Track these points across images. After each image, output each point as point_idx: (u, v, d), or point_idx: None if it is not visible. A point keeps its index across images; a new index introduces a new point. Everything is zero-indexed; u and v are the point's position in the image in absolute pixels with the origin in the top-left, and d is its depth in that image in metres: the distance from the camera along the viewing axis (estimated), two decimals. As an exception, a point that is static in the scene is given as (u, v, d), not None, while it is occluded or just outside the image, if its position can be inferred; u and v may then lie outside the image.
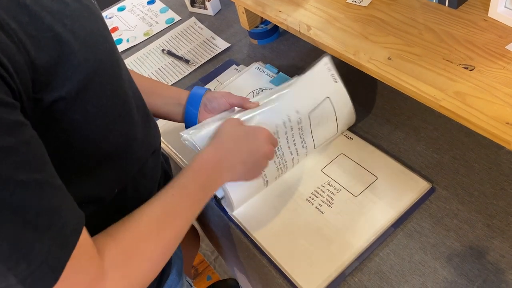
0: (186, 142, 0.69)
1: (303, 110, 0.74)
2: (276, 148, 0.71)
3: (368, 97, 0.90)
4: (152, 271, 0.50)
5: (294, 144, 0.75)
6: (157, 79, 1.11)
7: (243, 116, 0.71)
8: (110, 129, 0.50)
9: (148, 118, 0.60)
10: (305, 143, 0.76)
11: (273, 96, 0.75)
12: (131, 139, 0.54)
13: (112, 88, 0.49)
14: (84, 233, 0.41)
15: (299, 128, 0.74)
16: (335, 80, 0.76)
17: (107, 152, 0.50)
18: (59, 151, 0.42)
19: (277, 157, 0.73)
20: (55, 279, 0.37)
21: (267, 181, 0.75)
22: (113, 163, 0.52)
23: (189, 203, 0.54)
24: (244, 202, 0.76)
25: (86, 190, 0.43)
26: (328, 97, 0.76)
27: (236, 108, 0.76)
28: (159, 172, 0.65)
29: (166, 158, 0.75)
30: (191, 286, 0.81)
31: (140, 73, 0.97)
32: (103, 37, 0.48)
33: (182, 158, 0.87)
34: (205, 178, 0.57)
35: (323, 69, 0.76)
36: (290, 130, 0.73)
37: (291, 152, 0.75)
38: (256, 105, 0.74)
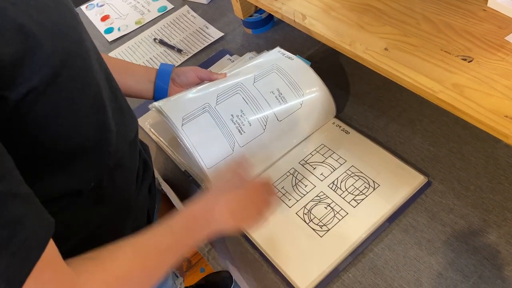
0: (153, 108, 0.76)
1: (250, 79, 0.78)
2: (241, 119, 0.74)
3: (363, 88, 0.88)
4: None
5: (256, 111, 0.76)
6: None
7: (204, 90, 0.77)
8: (82, 122, 0.48)
9: (122, 109, 0.58)
10: (262, 110, 0.76)
11: (235, 71, 0.82)
12: (105, 132, 0.52)
13: (83, 80, 0.47)
14: (51, 245, 0.39)
15: (250, 94, 0.77)
16: (290, 58, 0.83)
17: (80, 146, 0.49)
18: (30, 146, 0.40)
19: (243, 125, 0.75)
20: None
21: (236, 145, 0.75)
22: (88, 156, 0.50)
23: (175, 245, 0.52)
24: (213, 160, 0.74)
25: (61, 184, 0.41)
26: (275, 68, 0.80)
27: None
28: (137, 162, 0.64)
29: (145, 147, 0.74)
30: (177, 277, 0.79)
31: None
32: (72, 28, 0.46)
33: (172, 150, 0.85)
34: (193, 226, 0.54)
35: (276, 53, 0.85)
36: (243, 94, 0.77)
37: (257, 118, 0.76)
38: (224, 76, 0.81)
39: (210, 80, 0.81)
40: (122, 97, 0.61)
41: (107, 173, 0.54)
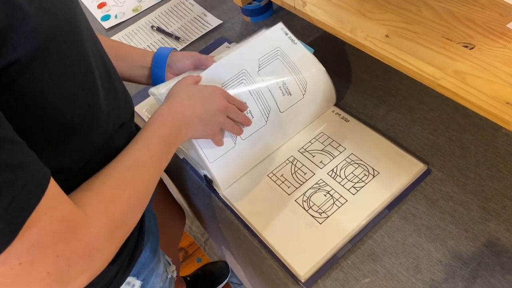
0: (154, 96, 0.72)
1: (254, 67, 0.76)
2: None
3: (363, 76, 0.88)
4: (131, 217, 0.51)
5: (259, 103, 0.75)
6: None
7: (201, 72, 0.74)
8: (71, 99, 0.48)
9: (116, 91, 0.58)
10: (266, 102, 0.75)
11: (237, 51, 0.77)
12: (95, 111, 0.52)
13: (73, 56, 0.47)
14: (54, 186, 0.41)
15: (255, 86, 0.75)
16: (293, 42, 0.79)
17: (69, 124, 0.49)
18: (17, 121, 0.40)
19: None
20: (13, 235, 0.36)
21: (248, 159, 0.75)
22: (77, 135, 0.50)
23: (155, 156, 0.55)
24: (230, 181, 0.75)
25: (49, 161, 0.41)
26: (279, 54, 0.78)
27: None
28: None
29: (139, 129, 0.73)
30: (170, 265, 0.79)
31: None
32: (62, 2, 0.45)
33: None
34: (165, 133, 0.58)
35: (279, 32, 0.80)
36: (248, 86, 0.74)
37: (260, 110, 0.74)
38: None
39: (208, 66, 0.76)
40: (117, 79, 0.60)
41: (97, 153, 0.53)
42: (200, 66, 0.77)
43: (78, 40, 0.48)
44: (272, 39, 0.79)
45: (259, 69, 0.76)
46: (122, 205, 0.49)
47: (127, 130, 0.62)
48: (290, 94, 0.76)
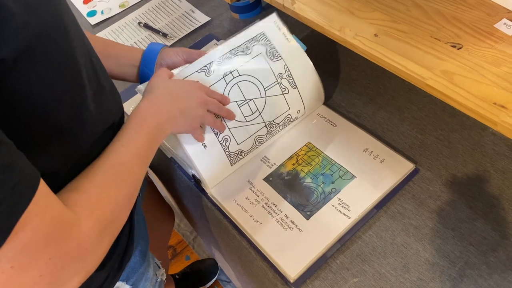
0: (139, 92, 0.70)
1: (239, 63, 0.74)
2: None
3: (351, 75, 0.88)
4: (120, 215, 0.51)
5: (241, 101, 0.73)
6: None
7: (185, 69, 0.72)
8: (59, 100, 0.47)
9: (103, 90, 0.57)
10: (249, 99, 0.74)
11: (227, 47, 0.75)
12: (83, 112, 0.51)
13: (60, 56, 0.45)
14: (43, 186, 0.40)
15: (238, 82, 0.73)
16: (286, 37, 0.77)
17: (57, 125, 0.47)
18: (2, 122, 0.38)
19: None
20: (3, 238, 0.35)
21: (229, 152, 0.74)
22: (65, 137, 0.49)
23: (139, 153, 0.55)
24: (217, 179, 0.75)
25: (37, 164, 0.40)
26: (272, 53, 0.76)
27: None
28: None
29: None
30: (159, 268, 0.78)
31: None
32: (49, 1, 0.44)
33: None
34: (148, 129, 0.57)
35: (271, 25, 0.77)
36: (229, 83, 0.73)
37: (242, 112, 0.73)
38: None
39: None
40: (105, 78, 0.59)
41: (85, 155, 0.52)
42: (192, 61, 0.75)
43: (65, 39, 0.47)
44: (265, 32, 0.77)
45: (245, 61, 0.74)
46: (111, 204, 0.48)
47: (117, 131, 0.61)
48: (278, 88, 0.75)
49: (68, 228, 0.41)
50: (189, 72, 0.71)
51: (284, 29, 0.78)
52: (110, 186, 0.50)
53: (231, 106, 0.72)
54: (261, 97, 0.74)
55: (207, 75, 0.72)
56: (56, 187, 0.45)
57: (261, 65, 0.75)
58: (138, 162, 0.55)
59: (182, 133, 0.69)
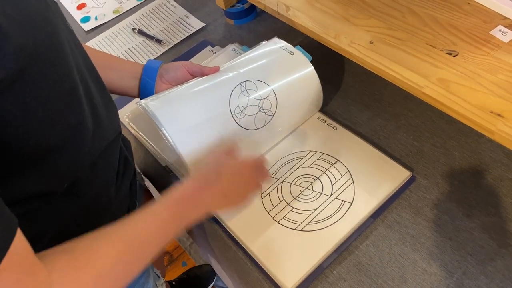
0: (140, 106, 0.70)
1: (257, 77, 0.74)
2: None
3: (347, 82, 0.87)
4: None
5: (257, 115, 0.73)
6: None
7: (196, 86, 0.72)
8: (56, 120, 0.45)
9: (101, 106, 0.55)
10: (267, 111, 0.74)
11: (230, 64, 0.76)
12: (80, 131, 0.49)
13: (56, 76, 0.44)
14: (20, 242, 0.36)
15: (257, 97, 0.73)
16: (291, 53, 0.78)
17: (52, 145, 0.46)
18: None
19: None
20: None
21: None
22: (62, 157, 0.47)
23: (160, 231, 0.50)
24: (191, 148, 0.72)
25: (32, 185, 0.38)
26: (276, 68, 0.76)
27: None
28: (117, 161, 0.61)
29: (127, 143, 0.71)
30: (159, 278, 0.78)
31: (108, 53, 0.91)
32: (44, 19, 0.43)
33: (153, 145, 0.83)
34: (181, 209, 0.53)
35: (275, 46, 0.79)
36: (247, 96, 0.72)
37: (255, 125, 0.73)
38: (216, 69, 0.75)
39: (203, 75, 0.74)
40: (104, 94, 0.57)
41: (83, 173, 0.51)
42: (193, 74, 0.75)
43: (61, 58, 0.45)
44: (268, 52, 0.78)
45: (252, 71, 0.75)
46: (98, 279, 0.42)
47: (115, 146, 0.59)
48: (277, 96, 0.75)
49: None
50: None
51: (288, 46, 0.79)
52: (107, 261, 0.43)
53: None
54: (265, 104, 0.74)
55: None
56: (51, 206, 0.44)
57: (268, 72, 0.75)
58: (156, 239, 0.49)
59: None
